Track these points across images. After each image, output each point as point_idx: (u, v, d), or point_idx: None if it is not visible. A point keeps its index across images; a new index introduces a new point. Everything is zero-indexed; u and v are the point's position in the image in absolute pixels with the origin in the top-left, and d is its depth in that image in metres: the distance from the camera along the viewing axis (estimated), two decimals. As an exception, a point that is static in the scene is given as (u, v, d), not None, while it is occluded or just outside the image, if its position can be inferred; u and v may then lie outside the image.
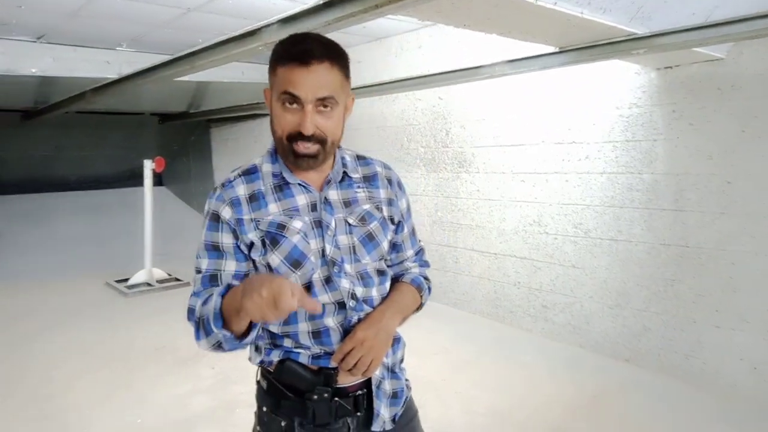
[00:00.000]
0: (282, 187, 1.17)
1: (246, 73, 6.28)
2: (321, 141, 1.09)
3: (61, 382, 3.36)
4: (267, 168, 1.18)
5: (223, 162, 7.74)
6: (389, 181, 1.29)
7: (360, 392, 1.19)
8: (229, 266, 1.14)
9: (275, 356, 1.17)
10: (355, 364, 1.10)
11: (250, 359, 1.25)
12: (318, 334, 1.15)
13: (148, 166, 5.41)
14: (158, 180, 8.81)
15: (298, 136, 1.07)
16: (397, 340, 1.29)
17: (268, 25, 2.38)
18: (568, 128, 3.84)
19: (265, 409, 1.21)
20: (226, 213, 1.13)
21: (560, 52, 2.71)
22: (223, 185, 1.17)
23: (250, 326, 1.05)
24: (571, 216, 3.88)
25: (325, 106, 1.07)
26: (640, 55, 2.49)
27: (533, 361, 3.66)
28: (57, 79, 4.75)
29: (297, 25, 2.21)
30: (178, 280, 5.68)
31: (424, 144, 4.92)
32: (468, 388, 3.28)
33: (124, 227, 6.99)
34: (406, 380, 1.33)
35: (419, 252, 1.39)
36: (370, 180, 1.26)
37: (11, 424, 2.90)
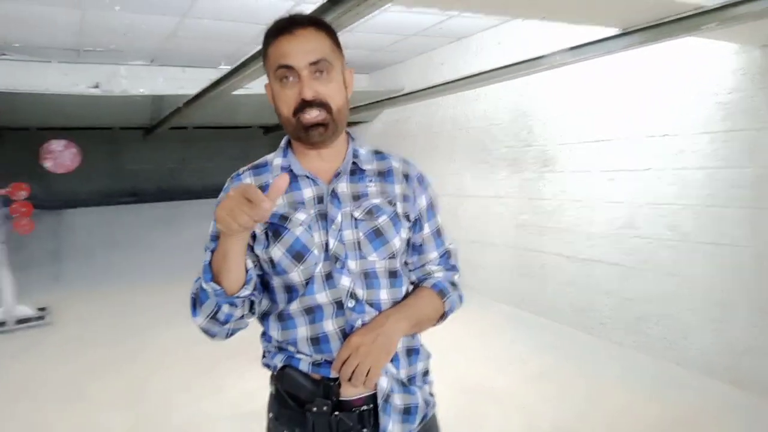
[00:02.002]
0: (290, 180, 1.10)
1: (338, 83, 6.49)
2: (325, 107, 1.05)
3: (158, 369, 3.69)
4: (277, 162, 1.16)
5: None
6: (406, 177, 1.20)
7: (366, 407, 1.09)
8: None
9: (278, 361, 1.13)
10: (353, 374, 1.01)
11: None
12: (317, 341, 1.09)
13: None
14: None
15: (301, 106, 1.04)
16: (414, 351, 1.18)
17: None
18: (660, 119, 3.44)
19: (271, 415, 1.17)
20: None
21: (623, 34, 2.43)
22: (232, 178, 1.17)
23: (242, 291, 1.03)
24: (666, 217, 3.47)
25: (321, 72, 1.04)
26: (712, 30, 2.15)
27: (620, 377, 3.32)
28: (167, 98, 5.26)
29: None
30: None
31: (506, 144, 4.71)
32: (536, 403, 3.05)
33: None
34: (431, 395, 1.23)
35: (445, 254, 1.25)
36: (384, 175, 1.18)
37: (112, 394, 3.28)
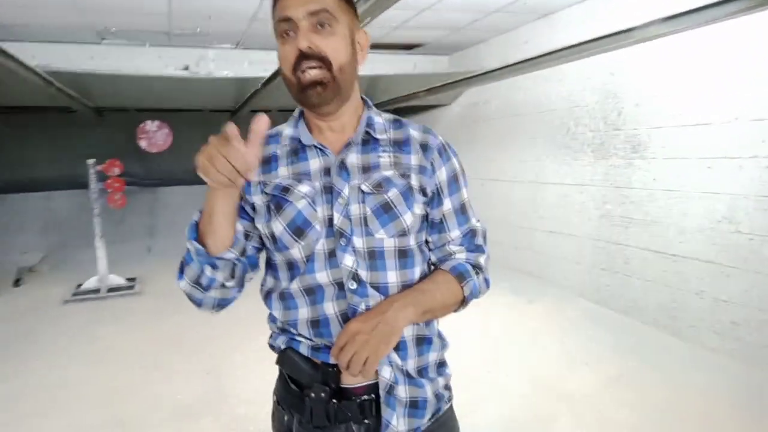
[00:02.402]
0: (297, 151, 1.06)
1: (418, 65, 6.37)
2: (324, 62, 0.95)
3: (240, 342, 3.80)
4: (287, 132, 1.09)
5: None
6: (424, 147, 1.08)
7: (367, 397, 1.02)
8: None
9: (281, 342, 1.08)
10: (350, 362, 0.93)
11: None
12: (317, 323, 1.03)
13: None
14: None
15: (298, 60, 0.95)
16: (426, 340, 1.09)
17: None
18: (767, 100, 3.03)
19: (275, 398, 1.14)
20: None
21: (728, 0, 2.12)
22: None
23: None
24: (774, 211, 3.06)
25: (322, 25, 0.96)
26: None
27: (709, 386, 2.99)
28: (250, 80, 5.40)
29: None
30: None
31: (592, 127, 4.38)
32: (612, 407, 2.82)
33: None
34: (446, 389, 1.13)
35: (468, 234, 1.12)
36: (400, 144, 1.07)
37: (190, 365, 3.44)
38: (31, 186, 7.72)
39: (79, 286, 5.17)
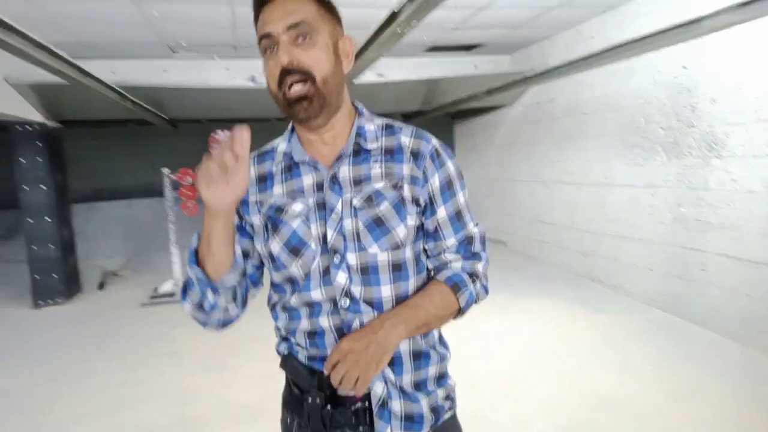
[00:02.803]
0: (291, 167, 1.06)
1: (479, 66, 6.26)
2: (308, 76, 0.95)
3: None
4: (281, 147, 1.09)
5: (464, 157, 7.87)
6: (415, 155, 1.05)
7: (362, 405, 1.03)
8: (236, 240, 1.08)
9: (283, 348, 1.11)
10: (341, 380, 0.94)
11: None
12: (312, 335, 1.04)
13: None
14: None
15: (282, 76, 0.95)
16: (424, 354, 1.07)
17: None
18: None
19: (282, 400, 1.16)
20: None
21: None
22: None
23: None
24: None
25: (303, 37, 0.95)
26: None
27: (795, 407, 2.72)
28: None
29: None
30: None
31: (664, 125, 4.11)
32: (681, 426, 2.62)
33: None
34: (447, 399, 1.11)
35: (464, 241, 1.10)
36: (392, 153, 1.05)
37: (253, 370, 3.52)
38: (114, 194, 8.30)
39: (156, 289, 5.47)
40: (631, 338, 3.72)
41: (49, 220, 5.18)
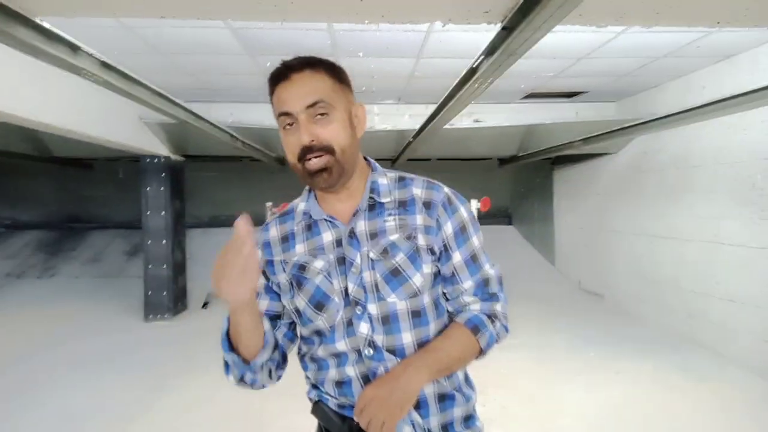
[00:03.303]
0: (311, 225, 1.13)
1: (580, 113, 6.11)
2: (327, 150, 1.02)
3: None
4: (300, 207, 1.16)
5: (563, 203, 7.61)
6: (427, 205, 1.11)
7: None
8: (262, 304, 1.14)
9: (314, 396, 1.16)
10: (368, 425, 0.99)
11: None
12: (341, 384, 1.10)
13: (474, 206, 5.83)
14: (508, 220, 9.39)
15: (303, 152, 1.03)
16: (449, 396, 1.10)
17: None
18: None
19: None
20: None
21: None
22: (261, 229, 1.19)
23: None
24: None
25: (321, 114, 1.02)
26: None
27: None
28: (406, 132, 5.71)
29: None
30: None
31: (783, 183, 3.74)
32: None
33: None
34: None
35: (482, 283, 1.13)
36: (405, 205, 1.11)
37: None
38: (228, 222, 9.00)
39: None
40: (736, 413, 3.34)
41: (164, 242, 5.75)
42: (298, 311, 1.12)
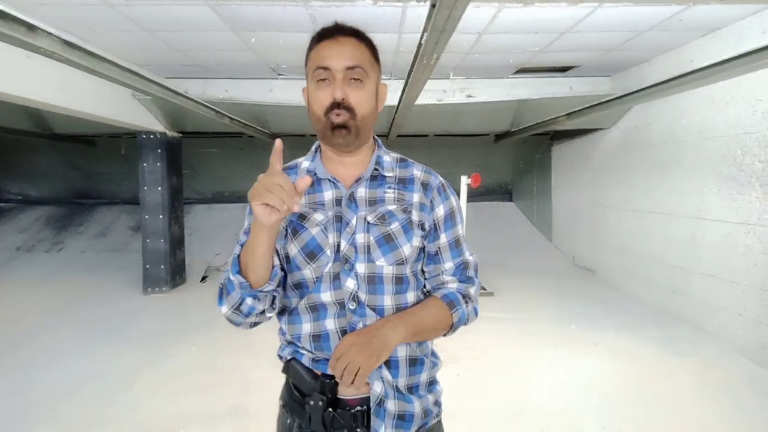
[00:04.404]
0: (314, 183, 1.19)
1: (575, 87, 6.08)
2: (350, 111, 1.10)
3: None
4: (305, 165, 1.23)
5: (560, 179, 7.60)
6: (425, 186, 1.22)
7: (360, 408, 1.13)
8: None
9: (287, 353, 1.20)
10: (344, 372, 1.04)
11: None
12: (318, 338, 1.15)
13: (464, 182, 5.85)
14: (509, 196, 9.38)
15: (331, 106, 1.10)
16: (419, 361, 1.19)
17: None
18: None
19: (281, 403, 1.25)
20: None
21: None
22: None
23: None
24: None
25: (355, 79, 1.10)
26: None
27: None
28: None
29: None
30: (483, 288, 5.96)
31: (762, 158, 3.72)
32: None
33: (484, 235, 7.81)
34: (435, 404, 1.23)
35: (461, 265, 1.24)
36: (404, 182, 1.21)
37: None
38: (231, 198, 9.18)
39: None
40: (713, 390, 3.36)
41: (161, 217, 5.89)
42: (288, 257, 1.17)
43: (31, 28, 1.99)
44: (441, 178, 1.26)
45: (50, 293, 5.99)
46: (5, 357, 4.02)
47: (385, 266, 1.13)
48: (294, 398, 1.18)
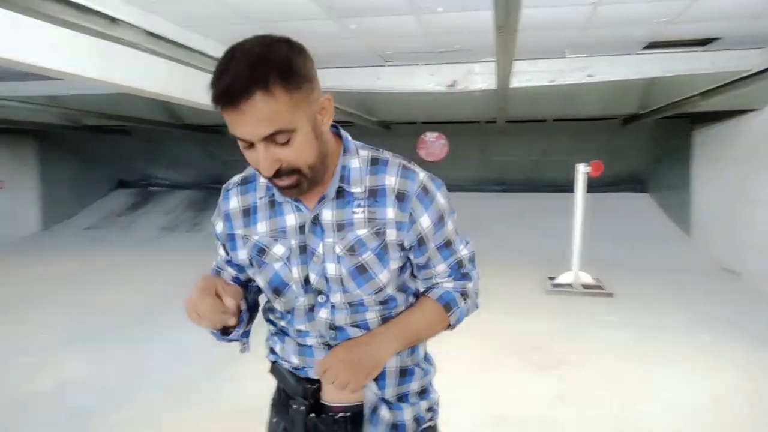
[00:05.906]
0: (273, 203, 1.06)
1: (717, 63, 5.28)
2: (294, 171, 0.93)
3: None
4: (263, 180, 1.07)
5: (701, 168, 6.68)
6: (401, 197, 1.01)
7: (343, 415, 1.08)
8: (228, 274, 1.17)
9: (273, 357, 1.18)
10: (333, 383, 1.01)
11: None
12: (301, 350, 1.11)
13: (581, 170, 5.36)
14: (641, 187, 8.51)
15: (269, 177, 0.94)
16: (408, 371, 1.12)
17: None
18: None
19: (271, 402, 1.23)
20: (219, 227, 1.13)
21: None
22: (223, 191, 1.13)
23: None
24: None
25: (282, 142, 0.89)
26: None
27: None
28: (511, 90, 5.39)
29: None
30: (600, 288, 5.44)
31: None
32: None
33: (612, 229, 7.23)
34: (429, 410, 1.17)
35: (455, 265, 1.12)
36: (375, 195, 1.02)
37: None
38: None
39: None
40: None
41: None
42: (259, 287, 1.14)
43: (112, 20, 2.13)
44: (422, 176, 1.04)
45: (188, 269, 6.58)
46: (134, 326, 4.50)
47: (365, 297, 1.05)
48: (281, 400, 1.16)
